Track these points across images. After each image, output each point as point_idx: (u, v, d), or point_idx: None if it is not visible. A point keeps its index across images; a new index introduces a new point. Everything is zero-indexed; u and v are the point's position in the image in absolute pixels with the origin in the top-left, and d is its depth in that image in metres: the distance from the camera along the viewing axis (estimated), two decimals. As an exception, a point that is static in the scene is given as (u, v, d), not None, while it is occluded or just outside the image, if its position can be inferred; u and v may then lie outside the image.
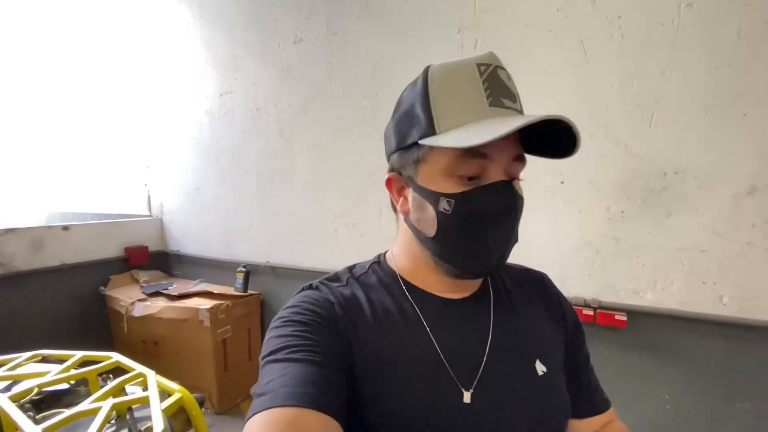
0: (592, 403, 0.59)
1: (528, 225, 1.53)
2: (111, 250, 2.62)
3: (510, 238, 0.46)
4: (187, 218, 2.80)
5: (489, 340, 0.48)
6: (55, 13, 3.28)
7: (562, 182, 1.46)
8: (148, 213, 2.97)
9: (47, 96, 3.56)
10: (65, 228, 2.43)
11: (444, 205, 0.44)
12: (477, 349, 0.48)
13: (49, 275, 2.31)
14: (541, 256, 1.51)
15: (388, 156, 0.52)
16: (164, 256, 2.90)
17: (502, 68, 0.45)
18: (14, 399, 0.76)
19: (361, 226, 1.97)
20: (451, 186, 0.44)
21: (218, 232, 2.60)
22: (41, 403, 0.85)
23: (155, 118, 2.83)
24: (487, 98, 0.42)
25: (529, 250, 1.53)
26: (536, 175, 1.49)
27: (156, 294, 2.41)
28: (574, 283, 1.46)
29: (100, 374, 0.90)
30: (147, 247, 2.79)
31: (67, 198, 3.63)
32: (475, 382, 0.45)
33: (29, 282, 2.22)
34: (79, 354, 0.96)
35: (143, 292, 2.43)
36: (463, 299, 0.52)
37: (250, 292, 2.34)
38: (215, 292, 2.31)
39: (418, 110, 0.44)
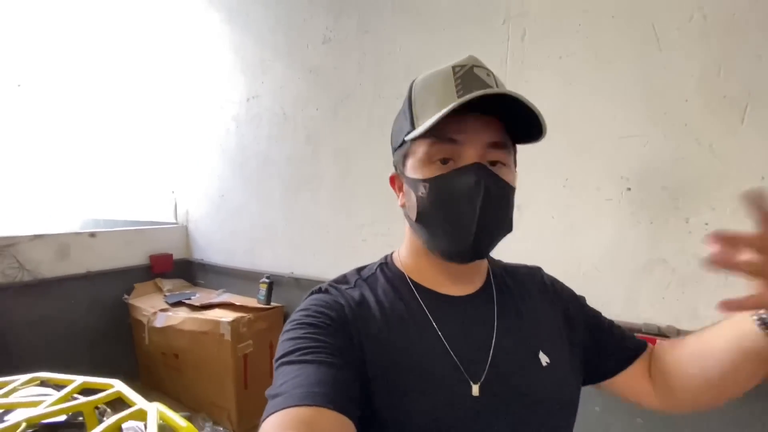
0: (627, 350, 0.58)
1: (585, 238, 1.35)
2: (136, 257, 2.58)
3: (485, 219, 0.46)
4: (212, 226, 2.74)
5: (494, 333, 0.50)
6: (86, 19, 3.35)
7: (629, 189, 1.26)
8: (174, 220, 2.94)
9: (81, 104, 3.64)
10: (92, 235, 2.41)
11: (422, 189, 0.48)
12: (483, 343, 0.49)
13: (75, 282, 2.28)
14: (602, 273, 1.31)
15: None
16: (188, 265, 2.85)
17: (481, 67, 0.49)
18: (-4, 437, 0.64)
19: (391, 236, 1.82)
20: (429, 172, 0.48)
21: (243, 241, 2.52)
22: (31, 439, 0.73)
23: (184, 125, 2.81)
24: (458, 92, 0.46)
25: (587, 266, 1.33)
26: (597, 181, 1.30)
27: (178, 304, 2.33)
28: (644, 306, 1.25)
29: (97, 406, 0.78)
30: (171, 255, 2.74)
31: (100, 205, 3.67)
32: (483, 375, 0.46)
33: (54, 289, 2.19)
34: (79, 380, 0.85)
35: (166, 302, 2.36)
36: (467, 296, 0.54)
37: (273, 304, 2.23)
38: (237, 303, 2.20)
39: (405, 112, 0.51)
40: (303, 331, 0.45)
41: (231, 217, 2.58)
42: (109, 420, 0.68)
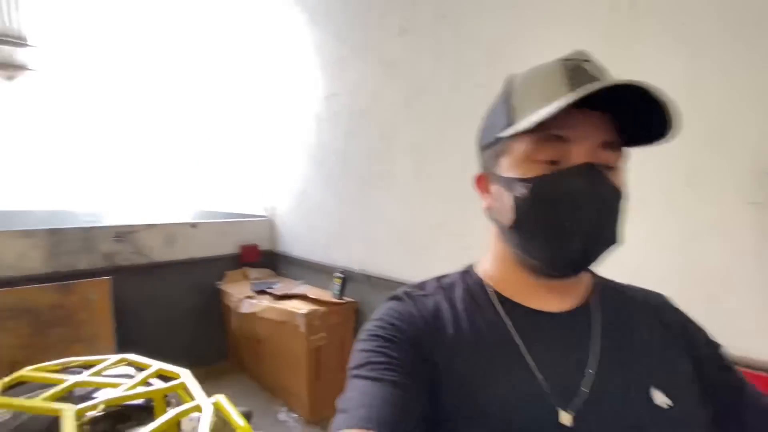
0: None
1: (714, 251, 1.06)
2: (228, 247, 2.83)
3: (595, 227, 0.41)
4: (294, 220, 2.89)
5: (593, 359, 0.44)
6: (189, 28, 3.76)
7: (785, 190, 0.95)
8: (263, 214, 3.17)
9: (187, 109, 4.13)
10: (193, 225, 2.71)
11: (520, 190, 0.43)
12: (579, 370, 0.43)
13: (179, 267, 2.59)
14: (736, 297, 1.02)
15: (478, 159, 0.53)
16: (274, 256, 3.05)
17: (592, 61, 0.44)
18: (80, 413, 0.70)
19: (467, 238, 1.69)
20: (531, 171, 0.43)
21: (320, 236, 2.60)
22: (109, 418, 0.79)
23: (273, 124, 3.00)
24: (570, 85, 0.41)
25: (714, 287, 1.05)
26: (734, 178, 1.01)
27: (262, 292, 2.50)
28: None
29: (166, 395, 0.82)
30: (258, 246, 2.95)
31: (205, 198, 4.15)
32: (577, 404, 0.41)
33: (163, 272, 2.51)
34: (155, 366, 0.91)
35: (252, 290, 2.54)
36: (562, 313, 0.47)
37: (346, 299, 2.25)
38: (313, 296, 2.27)
39: (499, 107, 0.47)
40: (374, 344, 0.45)
41: (311, 212, 2.67)
42: (170, 413, 0.70)
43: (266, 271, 2.93)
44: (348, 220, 2.35)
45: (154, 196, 4.82)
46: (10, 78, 4.36)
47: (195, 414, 0.79)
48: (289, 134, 2.84)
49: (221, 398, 0.85)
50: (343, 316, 2.21)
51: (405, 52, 1.92)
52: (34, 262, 2.10)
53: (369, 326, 0.48)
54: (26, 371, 0.85)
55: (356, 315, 2.28)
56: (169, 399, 0.86)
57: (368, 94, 2.16)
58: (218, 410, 0.79)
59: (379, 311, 0.50)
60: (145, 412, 0.82)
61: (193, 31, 3.80)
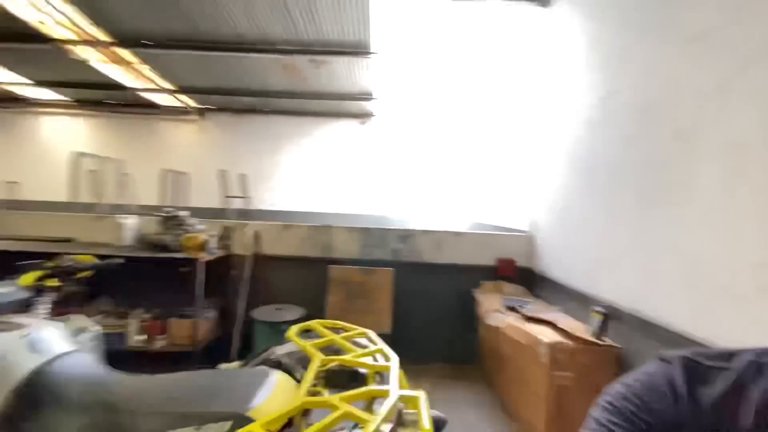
0: None
1: None
2: (486, 258, 2.93)
3: None
4: (555, 239, 2.64)
5: None
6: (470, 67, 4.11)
7: None
8: (523, 229, 3.08)
9: (470, 132, 4.56)
10: (458, 234, 2.98)
11: None
12: None
13: (443, 269, 2.93)
14: None
15: None
16: (530, 274, 2.89)
17: None
18: (324, 362, 0.94)
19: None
20: None
21: (583, 260, 2.25)
22: (345, 374, 1.02)
23: (538, 136, 2.87)
24: None
25: None
26: None
27: (512, 309, 2.42)
28: None
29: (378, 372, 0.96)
30: (515, 261, 2.88)
31: (478, 210, 4.48)
32: None
33: (431, 271, 2.92)
34: (379, 345, 1.08)
35: (502, 304, 2.52)
36: None
37: (606, 341, 1.83)
38: (565, 327, 1.99)
39: None
40: (611, 419, 0.37)
41: (573, 232, 2.36)
42: (361, 389, 0.82)
43: (520, 288, 2.82)
44: (619, 245, 1.91)
45: (437, 206, 5.69)
46: (362, 123, 6.34)
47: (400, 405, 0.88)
48: (552, 146, 2.63)
49: (421, 396, 0.90)
50: (600, 360, 1.81)
51: (722, 18, 1.38)
52: (352, 249, 2.94)
53: (615, 389, 0.40)
54: (312, 323, 1.21)
55: (619, 364, 1.80)
56: (383, 377, 1.00)
57: (659, 85, 1.69)
58: (409, 405, 0.85)
59: (636, 373, 0.40)
60: (362, 378, 1.00)
61: (479, 67, 4.19)
